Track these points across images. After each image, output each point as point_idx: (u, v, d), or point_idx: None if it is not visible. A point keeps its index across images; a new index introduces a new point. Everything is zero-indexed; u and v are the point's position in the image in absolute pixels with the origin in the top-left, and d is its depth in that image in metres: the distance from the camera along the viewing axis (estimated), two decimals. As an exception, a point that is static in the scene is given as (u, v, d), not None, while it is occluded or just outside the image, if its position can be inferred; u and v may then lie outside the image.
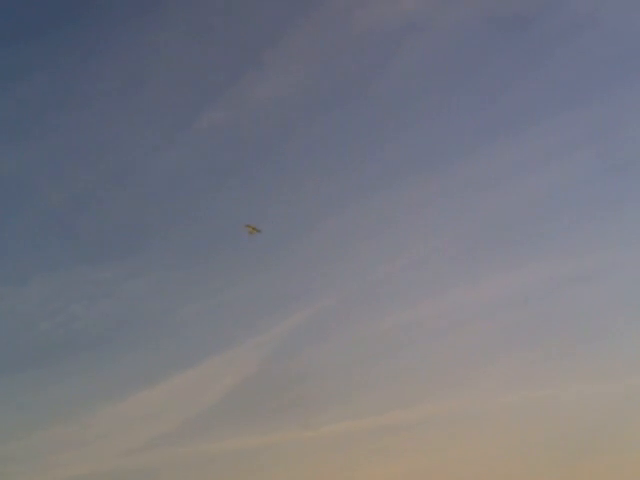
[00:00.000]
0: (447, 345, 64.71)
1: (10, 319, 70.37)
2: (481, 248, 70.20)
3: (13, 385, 64.59)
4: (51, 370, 65.83)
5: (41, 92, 78.36)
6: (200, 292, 70.66)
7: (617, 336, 61.56)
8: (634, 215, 68.45)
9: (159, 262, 73.74)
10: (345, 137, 77.36)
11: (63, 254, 73.50)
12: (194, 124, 77.99)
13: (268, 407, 62.02)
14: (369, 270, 70.17)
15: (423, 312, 66.62)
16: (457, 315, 66.56)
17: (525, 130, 73.62)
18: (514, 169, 73.24)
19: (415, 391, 62.32)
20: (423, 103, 78.11)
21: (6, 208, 75.66)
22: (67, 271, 72.30)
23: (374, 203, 73.14)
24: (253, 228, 55.51)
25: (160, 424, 62.87)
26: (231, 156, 78.20)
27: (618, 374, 59.20)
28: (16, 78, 77.35)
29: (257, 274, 70.37)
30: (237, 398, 63.43)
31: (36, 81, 78.02)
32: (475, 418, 59.66)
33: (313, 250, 72.40)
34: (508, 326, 64.61)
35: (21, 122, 77.73)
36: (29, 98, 77.57)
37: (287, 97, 77.80)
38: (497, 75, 77.59)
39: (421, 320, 66.33)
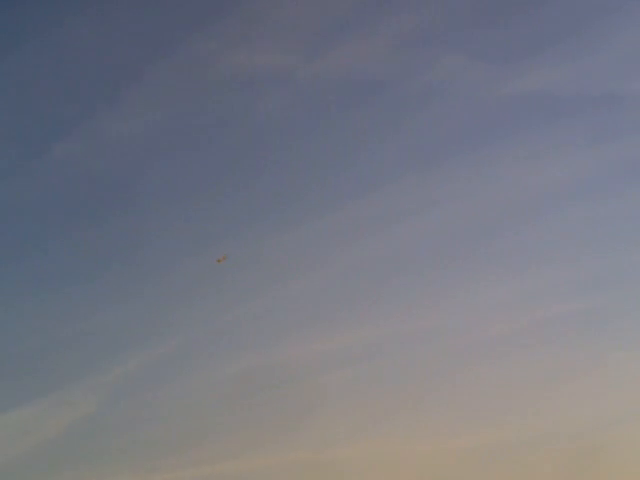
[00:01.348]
0: (297, 391, 62.05)
1: None
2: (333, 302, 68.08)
3: None
4: None
5: None
6: (36, 327, 67.27)
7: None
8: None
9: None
10: (199, 181, 76.48)
11: None
12: (45, 155, 75.65)
13: (105, 450, 59.27)
14: (220, 312, 67.94)
15: (276, 357, 64.47)
16: (311, 363, 63.97)
17: (378, 189, 73.16)
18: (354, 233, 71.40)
19: (265, 437, 59.54)
20: (282, 152, 76.54)
21: None
22: None
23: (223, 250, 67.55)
24: (222, 258, 57.26)
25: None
26: (80, 190, 75.87)
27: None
28: None
29: (98, 311, 68.17)
30: (71, 439, 60.69)
31: None
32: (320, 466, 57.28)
33: (162, 290, 69.82)
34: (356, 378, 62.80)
35: None
36: None
37: (142, 135, 77.32)
38: (353, 132, 76.67)
39: (273, 365, 63.57)
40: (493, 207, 71.69)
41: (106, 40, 77.41)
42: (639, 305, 62.82)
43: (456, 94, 76.15)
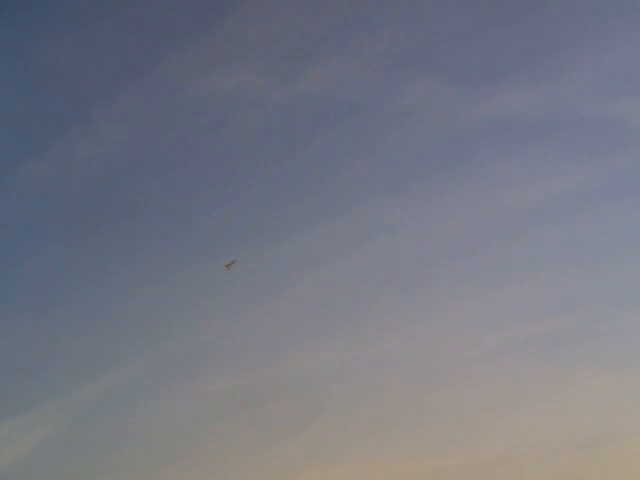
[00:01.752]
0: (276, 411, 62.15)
1: None
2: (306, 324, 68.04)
3: None
4: None
5: None
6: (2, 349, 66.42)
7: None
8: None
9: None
10: (172, 201, 75.69)
11: None
12: (13, 175, 74.68)
13: (73, 471, 58.44)
14: (186, 335, 67.65)
15: (251, 378, 64.30)
16: (288, 384, 63.71)
17: (351, 209, 73.07)
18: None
19: (243, 457, 59.56)
20: (255, 173, 76.36)
21: None
22: None
23: (199, 271, 70.20)
24: (230, 263, 57.40)
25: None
26: (50, 212, 74.78)
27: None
28: None
29: (65, 333, 67.63)
30: (36, 463, 59.53)
31: None
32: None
33: (133, 310, 69.33)
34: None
35: None
36: None
37: (114, 156, 76.38)
38: (327, 153, 76.52)
39: (246, 385, 63.80)
40: (463, 229, 72.25)
41: (77, 59, 77.38)
42: (610, 325, 63.49)
43: (429, 116, 76.69)
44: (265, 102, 77.58)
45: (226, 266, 58.05)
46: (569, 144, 73.36)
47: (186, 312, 68.80)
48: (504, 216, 72.18)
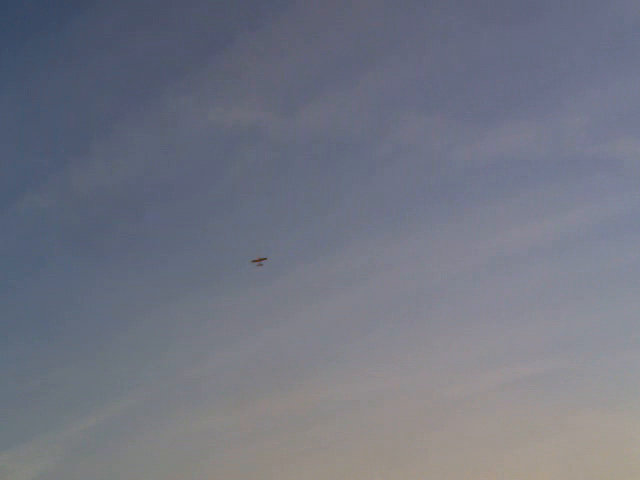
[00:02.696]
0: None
1: None
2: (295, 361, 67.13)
3: None
4: None
5: None
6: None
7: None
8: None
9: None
10: (168, 236, 76.45)
11: None
12: (13, 207, 75.81)
13: None
14: (176, 371, 67.31)
15: (237, 416, 63.40)
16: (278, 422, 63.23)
17: (345, 245, 73.82)
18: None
19: None
20: (253, 208, 77.43)
21: None
22: None
23: (194, 307, 70.82)
24: (260, 259, 56.72)
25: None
26: (48, 244, 75.39)
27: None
28: None
29: (54, 368, 67.23)
30: None
31: None
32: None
33: (130, 345, 69.51)
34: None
35: None
36: None
37: (112, 189, 77.13)
38: (324, 188, 77.95)
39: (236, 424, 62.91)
40: (461, 266, 72.71)
41: (77, 94, 78.85)
42: (601, 366, 63.52)
43: (427, 154, 77.64)
44: (263, 138, 78.48)
45: (254, 261, 57.34)
46: (566, 183, 74.40)
47: (181, 347, 68.90)
48: (501, 254, 73.01)
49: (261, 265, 57.39)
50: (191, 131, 77.90)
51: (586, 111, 75.32)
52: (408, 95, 79.26)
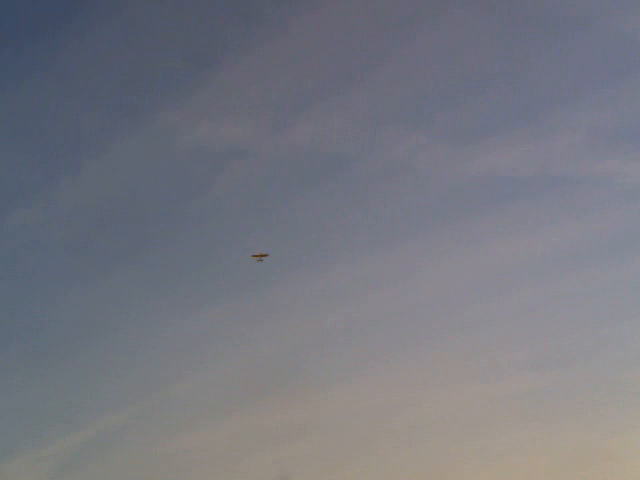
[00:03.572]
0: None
1: None
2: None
3: None
4: None
5: None
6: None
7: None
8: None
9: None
10: (158, 255, 75.80)
11: None
12: (1, 223, 75.39)
13: None
14: (165, 387, 66.63)
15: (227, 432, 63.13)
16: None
17: (338, 264, 73.25)
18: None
19: None
20: (244, 225, 76.91)
21: None
22: None
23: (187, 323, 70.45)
24: (260, 255, 56.31)
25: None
26: (37, 260, 74.96)
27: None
28: None
29: (40, 384, 66.46)
30: None
31: None
32: None
33: (119, 360, 68.56)
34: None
35: None
36: None
37: (101, 206, 76.88)
38: (317, 206, 78.15)
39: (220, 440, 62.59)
40: (446, 284, 72.81)
41: (68, 108, 78.84)
42: (590, 382, 63.48)
43: (418, 172, 77.79)
44: (252, 154, 78.85)
45: (254, 256, 56.90)
46: (556, 202, 74.81)
47: (172, 363, 68.47)
48: (491, 271, 73.18)
49: (261, 261, 57.03)
50: (180, 147, 78.03)
51: (576, 129, 75.93)
52: (398, 112, 79.67)
